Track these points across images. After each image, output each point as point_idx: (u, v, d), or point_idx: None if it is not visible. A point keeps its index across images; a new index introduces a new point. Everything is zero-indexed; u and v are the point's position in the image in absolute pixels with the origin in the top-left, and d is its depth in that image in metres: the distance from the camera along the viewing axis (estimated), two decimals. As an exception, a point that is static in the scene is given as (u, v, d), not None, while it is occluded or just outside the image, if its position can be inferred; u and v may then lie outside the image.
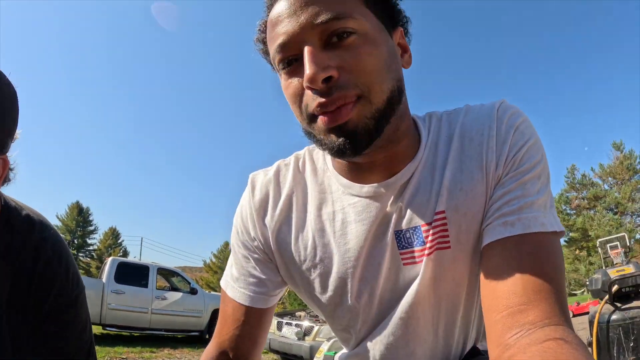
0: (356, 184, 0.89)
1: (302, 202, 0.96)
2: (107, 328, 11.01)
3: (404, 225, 0.86)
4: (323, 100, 0.74)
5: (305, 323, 8.09)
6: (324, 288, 0.93)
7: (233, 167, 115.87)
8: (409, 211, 0.86)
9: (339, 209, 0.91)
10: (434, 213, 0.84)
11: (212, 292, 14.67)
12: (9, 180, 0.97)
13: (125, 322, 11.15)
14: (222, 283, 1.05)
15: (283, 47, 0.77)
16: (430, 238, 0.84)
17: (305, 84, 0.74)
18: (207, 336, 12.10)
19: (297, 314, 9.00)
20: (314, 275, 0.93)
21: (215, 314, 12.10)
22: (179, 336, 12.36)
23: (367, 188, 0.88)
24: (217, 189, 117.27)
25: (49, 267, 0.99)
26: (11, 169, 0.95)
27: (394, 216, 0.87)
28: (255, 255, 0.99)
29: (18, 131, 0.94)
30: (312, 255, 0.92)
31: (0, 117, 0.87)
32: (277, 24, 0.77)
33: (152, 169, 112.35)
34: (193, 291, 12.32)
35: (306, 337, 7.83)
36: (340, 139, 0.76)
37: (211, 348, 1.02)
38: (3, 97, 0.88)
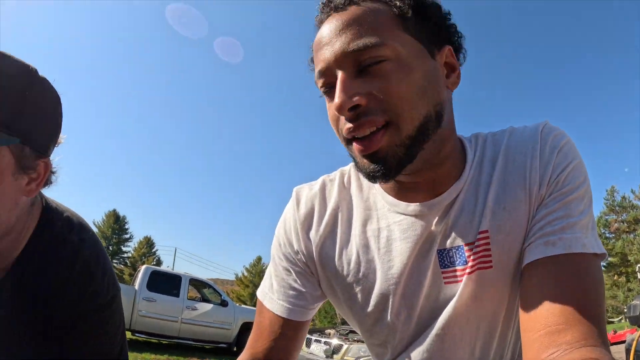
0: (402, 202, 0.89)
1: (347, 218, 0.96)
2: (137, 334, 11.18)
3: (447, 244, 0.87)
4: (351, 125, 0.77)
5: (334, 341, 8.02)
6: (365, 303, 0.93)
7: (269, 184, 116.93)
8: (453, 231, 0.86)
9: (384, 226, 0.91)
10: (477, 233, 0.84)
11: (243, 306, 14.74)
12: (51, 183, 0.99)
13: (154, 330, 11.32)
14: (259, 294, 1.06)
15: (322, 74, 0.80)
16: (472, 257, 0.84)
17: (335, 111, 0.77)
18: (234, 349, 12.17)
19: (327, 331, 8.93)
20: (356, 291, 0.93)
21: (244, 327, 12.17)
22: (207, 347, 12.44)
23: (413, 207, 0.88)
24: (252, 204, 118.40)
25: (86, 268, 1.00)
26: (53, 172, 0.97)
27: (438, 235, 0.87)
28: (297, 268, 1.00)
29: (62, 136, 0.97)
30: (356, 270, 0.93)
31: (43, 122, 0.90)
32: (318, 50, 0.80)
33: (191, 181, 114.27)
34: (224, 303, 12.42)
35: (334, 356, 7.75)
36: (372, 166, 0.78)
37: (244, 358, 1.01)
38: (46, 102, 0.91)
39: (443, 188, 0.87)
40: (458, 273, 0.86)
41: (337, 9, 0.80)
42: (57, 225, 1.02)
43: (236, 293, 53.97)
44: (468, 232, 0.85)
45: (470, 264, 0.84)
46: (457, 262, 0.86)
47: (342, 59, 0.76)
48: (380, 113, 0.75)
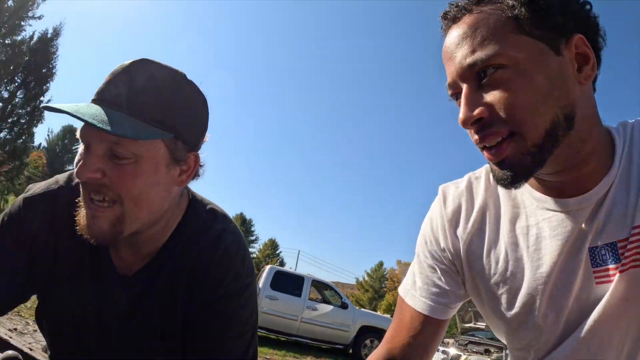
0: (550, 199, 0.86)
1: (495, 216, 0.95)
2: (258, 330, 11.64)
3: (599, 241, 0.82)
4: (477, 137, 0.78)
5: (452, 350, 7.82)
6: (511, 304, 0.91)
7: (393, 191, 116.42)
8: (605, 227, 0.82)
9: (533, 224, 0.88)
10: (631, 228, 0.80)
11: (362, 309, 14.92)
12: (199, 175, 1.09)
13: (274, 327, 11.84)
14: (401, 291, 1.08)
15: (449, 86, 0.82)
16: (626, 254, 0.79)
17: (460, 125, 0.78)
18: (350, 351, 12.35)
19: (445, 340, 8.72)
20: (502, 291, 0.92)
21: (362, 330, 12.31)
22: (323, 347, 12.72)
23: (562, 203, 0.85)
24: (376, 209, 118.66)
25: (227, 255, 1.09)
26: (201, 166, 1.07)
27: (589, 232, 0.83)
28: (442, 266, 1.00)
29: (207, 134, 1.08)
30: (503, 269, 0.91)
31: (193, 119, 1.01)
32: (445, 62, 0.83)
33: (317, 185, 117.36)
34: (344, 305, 12.63)
35: None
36: (501, 172, 0.78)
37: (379, 353, 1.03)
38: (194, 102, 1.02)
39: (592, 183, 0.83)
40: (610, 272, 0.81)
41: (454, 20, 0.82)
42: (202, 215, 1.13)
43: (356, 297, 54.45)
44: (621, 228, 0.81)
45: (623, 262, 0.79)
46: (609, 260, 0.81)
47: (462, 73, 0.77)
48: (503, 124, 0.74)
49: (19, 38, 30.78)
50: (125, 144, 0.89)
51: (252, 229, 64.18)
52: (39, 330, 1.33)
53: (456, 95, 0.81)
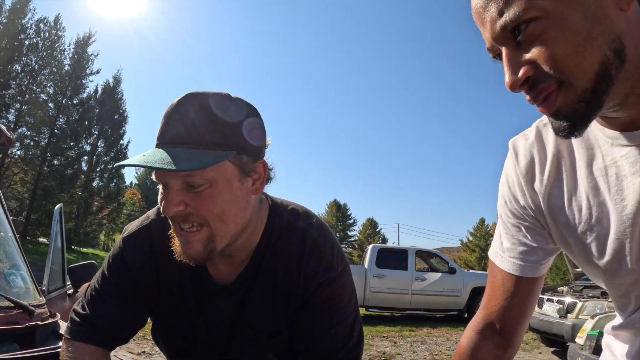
0: (622, 134, 0.80)
1: (570, 161, 0.89)
2: (370, 309, 11.97)
3: None
4: (528, 97, 0.74)
5: (568, 299, 7.44)
6: (601, 252, 0.86)
7: (483, 141, 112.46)
8: None
9: (611, 163, 0.82)
10: None
11: (471, 271, 14.48)
12: (271, 179, 1.15)
13: (386, 304, 11.96)
14: (491, 254, 1.05)
15: (489, 50, 0.77)
16: None
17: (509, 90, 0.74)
18: (465, 315, 12.13)
19: (559, 289, 8.39)
20: (590, 239, 0.87)
21: (474, 292, 12.04)
22: (438, 315, 12.59)
23: (636, 135, 0.78)
24: (470, 165, 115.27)
25: (316, 247, 1.15)
26: (270, 169, 1.13)
27: None
28: (526, 224, 0.98)
29: (268, 139, 1.12)
30: (587, 216, 0.86)
31: (251, 131, 1.05)
32: (478, 25, 0.77)
33: (404, 154, 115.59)
34: (452, 271, 12.43)
35: (568, 315, 7.18)
36: (557, 123, 0.74)
37: (478, 319, 1.04)
38: (248, 115, 1.05)
39: None
40: None
41: None
42: (285, 216, 1.19)
43: (463, 259, 53.42)
44: None
45: None
46: None
47: (497, 38, 0.72)
48: (550, 77, 0.70)
49: (84, 95, 34.30)
50: (196, 174, 0.96)
51: (349, 213, 64.69)
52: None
53: (499, 56, 0.76)
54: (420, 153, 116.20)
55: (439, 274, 12.38)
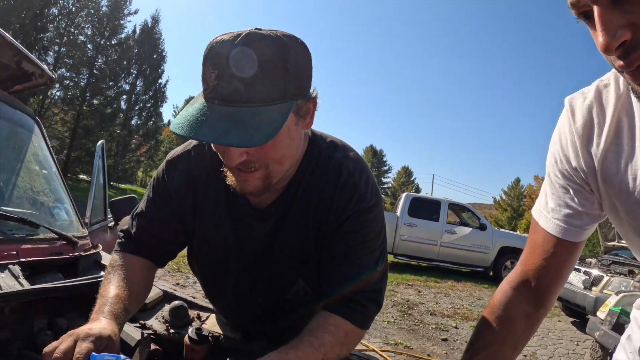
0: None
1: (629, 126, 0.84)
2: (398, 257, 12.13)
3: None
4: (621, 62, 0.66)
5: (595, 272, 7.28)
6: None
7: (525, 100, 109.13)
8: None
9: None
10: None
11: (501, 230, 14.48)
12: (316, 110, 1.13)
13: (414, 253, 12.07)
14: (534, 212, 1.04)
15: (573, 6, 0.69)
16: None
17: (601, 52, 0.67)
18: (490, 274, 12.15)
19: (587, 260, 8.23)
20: None
21: (502, 251, 12.06)
22: (464, 270, 12.71)
23: None
24: (509, 123, 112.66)
25: (351, 178, 1.17)
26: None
27: None
28: (575, 186, 0.95)
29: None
30: None
31: (307, 73, 1.03)
32: None
33: (444, 106, 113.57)
34: (482, 227, 12.43)
35: (593, 288, 7.09)
36: None
37: (514, 274, 1.04)
38: (304, 59, 1.02)
39: None
40: None
41: None
42: (323, 147, 1.22)
43: (494, 217, 53.00)
44: None
45: None
46: None
47: None
48: None
49: (123, 36, 34.26)
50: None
51: (384, 159, 64.53)
52: (198, 282, 1.55)
53: (584, 15, 0.68)
54: (461, 107, 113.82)
55: (469, 229, 12.43)
